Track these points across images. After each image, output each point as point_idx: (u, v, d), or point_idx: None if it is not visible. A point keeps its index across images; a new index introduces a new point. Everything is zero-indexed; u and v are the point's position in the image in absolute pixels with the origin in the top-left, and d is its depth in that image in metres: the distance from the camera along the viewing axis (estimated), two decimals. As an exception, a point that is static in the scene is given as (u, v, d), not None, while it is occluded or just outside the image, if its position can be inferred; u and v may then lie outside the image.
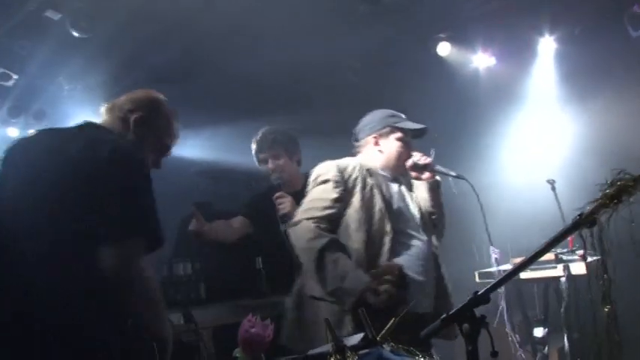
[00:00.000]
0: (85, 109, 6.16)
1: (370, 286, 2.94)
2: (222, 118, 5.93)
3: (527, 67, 6.96)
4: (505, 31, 6.81)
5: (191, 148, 5.93)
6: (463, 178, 3.41)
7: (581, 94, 6.34)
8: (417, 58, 6.85)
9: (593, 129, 6.26)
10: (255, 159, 4.29)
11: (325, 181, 3.26)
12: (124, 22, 5.29)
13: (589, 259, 4.80)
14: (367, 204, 3.21)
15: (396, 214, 3.28)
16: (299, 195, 3.75)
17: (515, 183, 6.56)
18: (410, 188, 3.54)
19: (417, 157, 3.40)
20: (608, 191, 1.75)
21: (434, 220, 3.51)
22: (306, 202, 3.29)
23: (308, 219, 3.13)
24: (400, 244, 3.21)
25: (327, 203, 3.18)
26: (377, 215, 3.20)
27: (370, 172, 3.33)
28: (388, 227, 3.19)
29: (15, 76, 6.15)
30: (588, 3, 6.30)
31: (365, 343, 2.10)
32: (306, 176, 3.67)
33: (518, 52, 6.98)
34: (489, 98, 7.02)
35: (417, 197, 3.50)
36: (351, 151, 3.64)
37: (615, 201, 1.73)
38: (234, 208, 4.99)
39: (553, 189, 4.82)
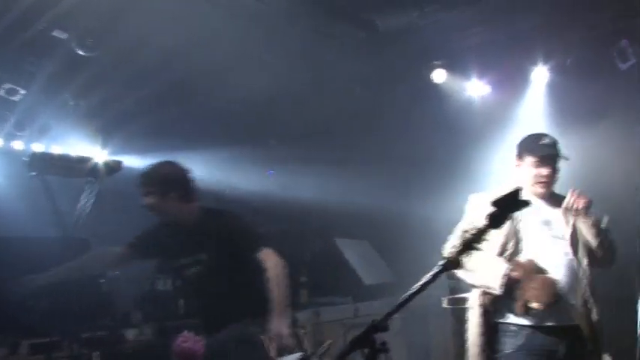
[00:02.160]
0: (88, 125, 6.36)
1: None
2: (213, 141, 6.09)
3: (521, 96, 7.12)
4: (500, 60, 6.99)
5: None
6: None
7: (568, 125, 6.49)
8: (413, 84, 7.02)
9: (577, 160, 6.39)
10: None
11: None
12: (128, 45, 5.48)
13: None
14: None
15: None
16: (193, 232, 3.94)
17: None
18: None
19: (571, 199, 3.71)
20: (465, 238, 2.09)
21: None
22: None
23: None
24: None
25: None
26: None
27: None
28: None
29: (22, 91, 6.31)
30: (580, 35, 6.48)
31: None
32: (206, 211, 3.97)
33: (512, 81, 7.15)
34: (483, 125, 7.17)
35: None
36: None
37: (471, 247, 2.08)
38: None
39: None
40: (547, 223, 3.72)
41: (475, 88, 7.30)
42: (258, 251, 3.87)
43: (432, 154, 7.35)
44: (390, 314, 2.04)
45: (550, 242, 3.66)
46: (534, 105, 7.06)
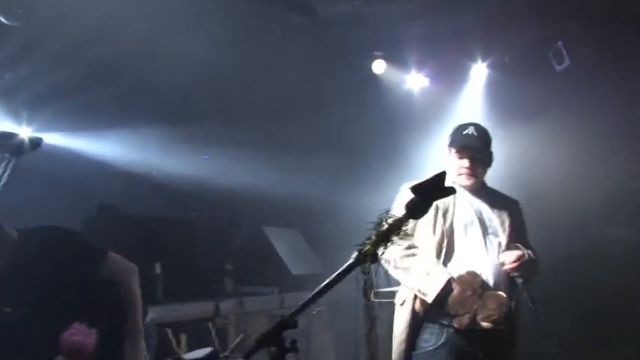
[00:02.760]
0: (15, 99, 6.04)
1: None
2: (144, 121, 5.89)
3: (459, 90, 7.15)
4: (440, 54, 7.00)
5: (111, 146, 5.89)
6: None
7: (504, 121, 6.56)
8: (353, 74, 6.94)
9: (512, 157, 6.49)
10: None
11: None
12: (57, 16, 5.20)
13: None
14: None
15: None
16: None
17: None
18: None
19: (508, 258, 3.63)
20: (380, 230, 1.95)
21: None
22: None
23: None
24: None
25: None
26: None
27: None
28: None
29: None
30: (519, 34, 6.54)
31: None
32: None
33: (451, 75, 7.18)
34: (421, 118, 7.17)
35: None
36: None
37: (387, 239, 1.94)
38: (144, 212, 4.98)
39: None
40: (480, 219, 3.68)
41: (414, 81, 7.26)
42: (100, 268, 3.29)
43: (368, 144, 7.30)
44: (298, 310, 1.93)
45: (482, 240, 3.62)
46: (472, 100, 7.10)
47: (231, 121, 6.51)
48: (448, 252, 3.57)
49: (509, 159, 6.57)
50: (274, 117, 6.74)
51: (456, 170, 3.73)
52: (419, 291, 3.49)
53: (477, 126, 3.80)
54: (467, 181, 3.72)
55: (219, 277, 5.71)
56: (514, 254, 3.53)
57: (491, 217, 3.69)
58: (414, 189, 1.99)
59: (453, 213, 3.60)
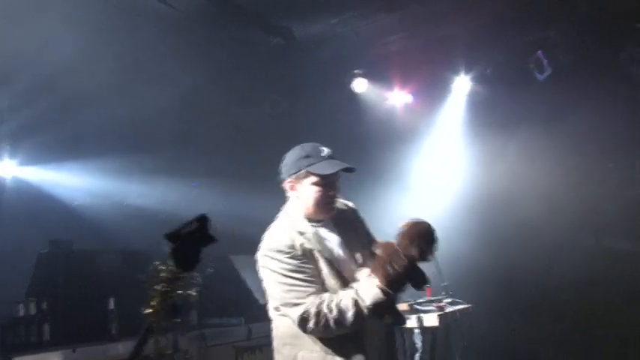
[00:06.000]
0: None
1: None
2: (105, 153, 5.79)
3: (442, 105, 7.08)
4: (422, 69, 6.91)
5: (68, 179, 5.80)
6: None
7: (487, 132, 6.51)
8: (332, 93, 6.87)
9: (494, 168, 6.47)
10: None
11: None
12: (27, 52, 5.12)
13: (447, 309, 4.82)
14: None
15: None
16: None
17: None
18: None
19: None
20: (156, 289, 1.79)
21: None
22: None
23: None
24: None
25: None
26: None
27: (308, 238, 3.05)
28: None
29: None
30: (500, 45, 6.49)
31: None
32: None
33: (434, 90, 7.11)
34: (404, 134, 7.10)
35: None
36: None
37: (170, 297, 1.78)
38: (103, 247, 4.83)
39: None
40: (344, 242, 3.18)
41: (397, 97, 7.19)
42: None
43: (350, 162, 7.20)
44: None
45: (354, 259, 3.16)
46: (454, 113, 7.03)
47: (198, 149, 6.41)
48: (343, 284, 3.04)
49: (491, 171, 6.57)
50: (245, 142, 6.64)
51: (318, 200, 3.08)
52: (367, 308, 2.91)
53: (327, 146, 3.14)
54: (331, 212, 3.16)
55: (183, 309, 5.51)
56: (388, 246, 2.99)
57: (349, 235, 3.21)
58: (171, 237, 1.80)
59: (325, 250, 3.09)
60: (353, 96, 6.95)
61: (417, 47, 6.61)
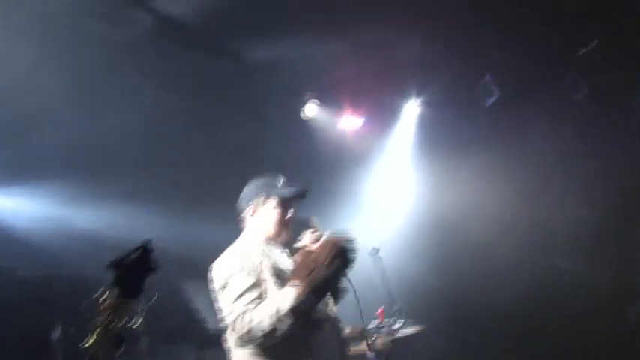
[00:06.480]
0: None
1: None
2: (53, 177, 5.66)
3: (391, 130, 7.15)
4: (372, 93, 6.97)
5: (22, 201, 5.64)
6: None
7: (436, 156, 6.60)
8: (285, 118, 6.85)
9: (443, 193, 6.56)
10: None
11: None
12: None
13: (399, 332, 4.82)
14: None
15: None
16: None
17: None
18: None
19: (307, 240, 3.31)
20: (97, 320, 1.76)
21: None
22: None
23: None
24: None
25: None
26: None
27: (265, 253, 3.23)
28: None
29: None
30: (449, 70, 6.58)
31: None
32: None
33: (385, 114, 7.18)
34: (355, 158, 7.14)
35: None
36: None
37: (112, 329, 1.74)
38: (50, 273, 4.70)
39: (377, 256, 4.68)
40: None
41: (347, 122, 7.22)
42: None
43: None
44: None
45: None
46: (405, 137, 7.11)
47: (149, 174, 6.30)
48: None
49: (442, 193, 6.66)
50: (196, 167, 6.56)
51: (278, 220, 3.35)
52: (285, 312, 2.94)
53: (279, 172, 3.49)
54: (289, 233, 3.40)
55: (133, 337, 5.36)
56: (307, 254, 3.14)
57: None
58: (115, 264, 1.81)
59: (273, 262, 3.22)
60: (304, 120, 6.95)
61: (367, 72, 6.64)
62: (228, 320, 3.04)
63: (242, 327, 2.95)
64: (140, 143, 6.11)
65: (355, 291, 3.29)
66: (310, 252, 3.10)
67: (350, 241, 3.09)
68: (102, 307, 1.79)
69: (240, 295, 3.03)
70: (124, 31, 5.21)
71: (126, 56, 5.44)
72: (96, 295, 1.86)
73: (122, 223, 6.12)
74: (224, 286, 3.11)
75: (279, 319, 2.91)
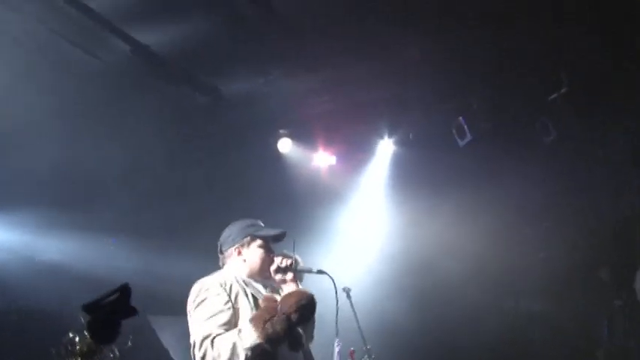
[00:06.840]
0: None
1: None
2: (17, 203, 5.54)
3: (365, 168, 7.15)
4: (346, 131, 7.00)
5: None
6: (325, 273, 3.53)
7: (409, 196, 6.61)
8: (257, 153, 6.83)
9: (416, 233, 6.56)
10: None
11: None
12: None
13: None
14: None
15: None
16: None
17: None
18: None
19: (279, 261, 3.47)
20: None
21: None
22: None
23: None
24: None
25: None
26: None
27: (246, 283, 3.43)
28: None
29: None
30: (422, 110, 6.64)
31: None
32: None
33: (358, 152, 7.18)
34: (328, 195, 7.11)
35: None
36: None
37: None
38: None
39: (348, 297, 4.72)
40: None
41: (321, 158, 7.21)
42: None
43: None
44: None
45: None
46: (378, 175, 7.12)
47: (115, 205, 6.20)
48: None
49: (415, 232, 6.65)
50: (166, 199, 6.48)
51: (264, 259, 3.49)
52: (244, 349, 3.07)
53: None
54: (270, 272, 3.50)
55: None
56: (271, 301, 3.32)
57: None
58: (90, 307, 1.70)
59: (253, 290, 3.42)
60: (278, 156, 6.93)
61: (340, 109, 6.68)
62: (195, 338, 3.16)
63: (204, 351, 3.08)
64: (110, 173, 6.01)
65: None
66: (274, 300, 3.25)
67: (312, 297, 3.22)
68: (73, 352, 1.68)
69: (212, 317, 3.17)
70: (101, 61, 5.18)
71: (102, 86, 5.40)
72: (67, 339, 1.75)
73: (87, 254, 5.98)
74: (199, 304, 3.26)
75: (235, 355, 3.04)
